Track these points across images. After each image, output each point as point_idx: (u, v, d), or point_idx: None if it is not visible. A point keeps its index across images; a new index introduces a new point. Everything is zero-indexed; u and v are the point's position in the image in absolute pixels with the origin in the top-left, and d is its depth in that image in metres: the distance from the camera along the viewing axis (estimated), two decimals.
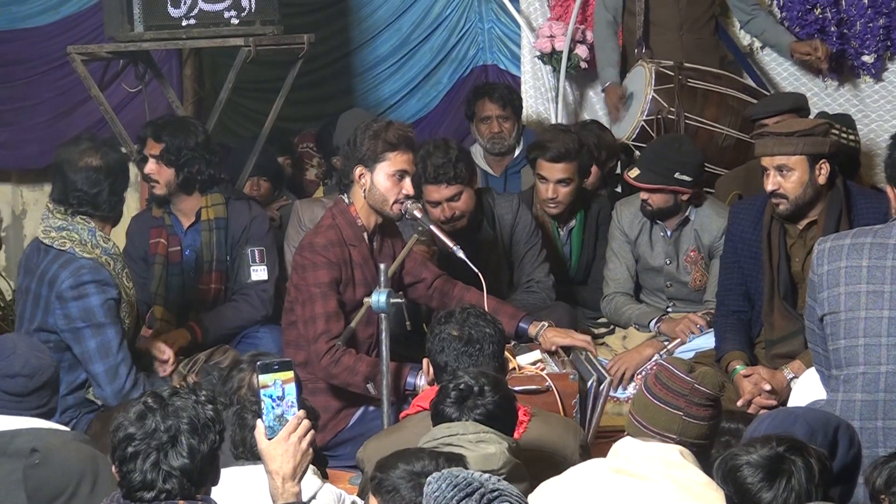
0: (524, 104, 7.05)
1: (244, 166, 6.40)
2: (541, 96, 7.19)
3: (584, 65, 6.92)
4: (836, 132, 5.36)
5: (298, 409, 3.23)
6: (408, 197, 4.79)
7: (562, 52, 6.89)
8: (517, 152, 6.82)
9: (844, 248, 3.94)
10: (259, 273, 5.62)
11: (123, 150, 5.85)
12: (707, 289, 5.53)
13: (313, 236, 4.85)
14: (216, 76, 7.33)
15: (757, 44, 6.91)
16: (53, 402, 3.87)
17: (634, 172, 5.53)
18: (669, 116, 6.16)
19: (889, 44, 6.79)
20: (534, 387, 4.60)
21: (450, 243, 4.79)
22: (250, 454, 3.61)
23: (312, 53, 6.54)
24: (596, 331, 5.61)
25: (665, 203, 5.50)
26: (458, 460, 3.17)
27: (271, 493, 3.24)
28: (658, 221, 5.61)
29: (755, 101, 6.22)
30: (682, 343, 5.31)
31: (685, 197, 5.50)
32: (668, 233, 5.60)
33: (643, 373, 5.15)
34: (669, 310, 5.63)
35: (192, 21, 6.14)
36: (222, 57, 7.16)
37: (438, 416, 3.56)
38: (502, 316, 4.74)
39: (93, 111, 7.20)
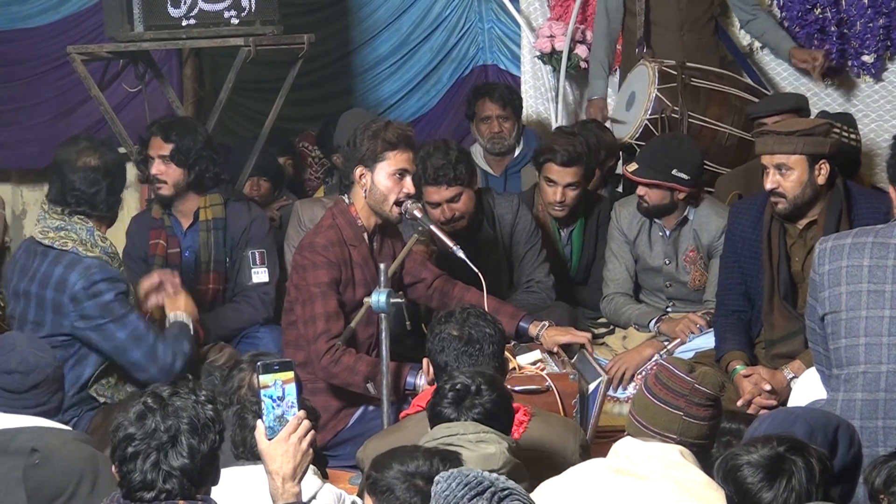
0: (524, 104, 7.06)
1: (244, 166, 6.40)
2: (541, 96, 7.19)
3: (584, 65, 6.93)
4: (838, 131, 5.35)
5: (299, 410, 3.23)
6: (408, 196, 4.79)
7: (562, 52, 6.89)
8: (517, 152, 6.82)
9: (846, 248, 3.94)
10: (260, 275, 5.63)
11: (122, 150, 5.85)
12: (706, 289, 5.53)
13: (313, 236, 4.85)
14: (216, 76, 7.34)
15: (757, 44, 6.91)
16: (55, 402, 3.86)
17: (633, 167, 5.54)
18: (673, 115, 6.16)
19: (889, 44, 6.78)
20: (534, 387, 4.60)
21: (450, 243, 4.79)
22: (251, 454, 3.61)
23: (312, 53, 6.54)
24: (596, 331, 5.61)
25: (661, 200, 5.50)
26: (453, 459, 3.16)
27: (271, 494, 3.24)
28: (655, 220, 5.61)
29: (758, 101, 6.23)
30: (682, 343, 5.31)
31: (682, 196, 5.49)
32: (667, 233, 5.60)
33: (643, 373, 5.15)
34: (669, 310, 5.63)
35: (192, 21, 6.14)
36: (222, 57, 7.16)
37: (436, 418, 3.56)
38: (502, 316, 4.74)
39: (93, 111, 7.20)
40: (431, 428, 3.55)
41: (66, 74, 7.28)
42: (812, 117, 5.78)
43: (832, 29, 6.72)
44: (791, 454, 3.01)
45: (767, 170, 4.85)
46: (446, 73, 7.77)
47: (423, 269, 5.10)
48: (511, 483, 2.72)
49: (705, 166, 5.73)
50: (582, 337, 5.06)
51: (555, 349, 5.01)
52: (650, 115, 6.20)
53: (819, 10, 6.73)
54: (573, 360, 4.93)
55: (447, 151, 5.35)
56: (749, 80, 6.70)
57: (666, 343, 5.35)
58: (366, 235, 4.86)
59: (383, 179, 4.78)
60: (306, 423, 3.23)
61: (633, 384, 5.21)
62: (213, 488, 3.08)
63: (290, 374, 3.21)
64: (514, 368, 4.74)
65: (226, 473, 3.17)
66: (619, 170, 6.48)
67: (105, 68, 6.62)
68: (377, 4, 7.66)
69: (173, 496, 2.96)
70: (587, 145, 5.81)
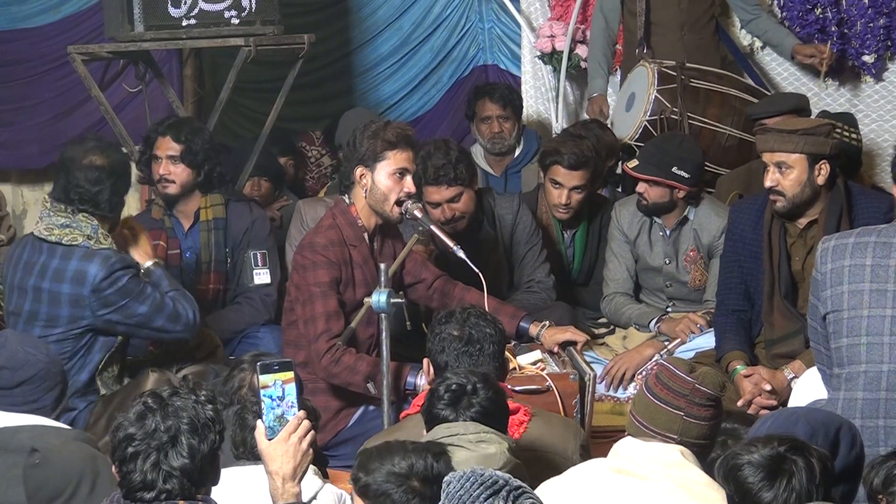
0: (524, 104, 7.06)
1: (244, 166, 6.40)
2: (541, 96, 7.19)
3: (584, 65, 6.93)
4: (839, 131, 5.35)
5: (299, 410, 3.22)
6: (409, 195, 4.78)
7: (562, 51, 6.89)
8: (517, 152, 6.82)
9: (848, 247, 3.95)
10: (262, 276, 5.64)
11: (124, 150, 5.86)
12: (707, 288, 5.53)
13: (313, 236, 4.85)
14: (216, 76, 7.34)
15: (757, 44, 6.91)
16: (48, 400, 3.84)
17: (633, 163, 5.55)
18: (672, 116, 6.16)
19: (889, 44, 6.78)
20: (534, 387, 4.60)
21: (450, 243, 4.78)
22: (251, 454, 3.61)
23: (312, 53, 6.54)
24: (596, 331, 5.61)
25: (661, 198, 5.50)
26: (443, 453, 3.16)
27: (271, 494, 3.24)
28: (656, 220, 5.61)
29: (757, 101, 6.23)
30: (683, 343, 5.31)
31: (681, 194, 5.49)
32: (668, 232, 5.60)
33: (643, 373, 5.15)
34: (669, 310, 5.63)
35: (193, 21, 6.15)
36: (222, 57, 7.16)
37: (434, 420, 3.54)
38: (503, 316, 4.74)
39: (93, 111, 7.20)
40: (427, 431, 3.54)
41: (66, 74, 7.28)
42: (813, 117, 5.78)
43: (832, 29, 6.71)
44: (792, 454, 3.01)
45: (768, 168, 4.86)
46: (447, 73, 7.77)
47: (424, 270, 5.10)
48: (519, 481, 2.72)
49: (705, 167, 5.73)
50: (581, 336, 5.06)
51: (555, 349, 5.01)
52: (650, 116, 6.20)
53: (819, 10, 6.73)
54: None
55: (447, 151, 5.35)
56: (749, 81, 6.70)
57: (666, 343, 5.35)
58: (366, 235, 4.86)
59: (384, 179, 4.77)
60: (306, 423, 3.23)
61: (633, 384, 5.21)
62: (213, 488, 3.08)
63: (290, 374, 3.21)
64: (515, 368, 4.74)
65: (226, 473, 3.17)
66: (619, 170, 6.47)
67: (105, 68, 6.62)
68: (377, 4, 7.66)
69: (173, 496, 2.96)
70: (595, 149, 5.82)
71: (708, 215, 5.54)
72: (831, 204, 4.86)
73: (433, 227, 4.84)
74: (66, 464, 3.62)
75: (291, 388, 3.20)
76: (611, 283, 5.70)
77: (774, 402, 4.75)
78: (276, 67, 6.97)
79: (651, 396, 3.40)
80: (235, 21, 6.18)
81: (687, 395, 3.37)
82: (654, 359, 5.23)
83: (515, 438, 3.73)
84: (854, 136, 5.87)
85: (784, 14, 6.81)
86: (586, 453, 3.93)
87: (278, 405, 3.20)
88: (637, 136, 6.22)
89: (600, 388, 5.16)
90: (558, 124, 6.91)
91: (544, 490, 3.47)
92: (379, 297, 4.38)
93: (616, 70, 6.90)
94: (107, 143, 4.94)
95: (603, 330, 5.66)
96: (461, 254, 4.75)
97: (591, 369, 4.87)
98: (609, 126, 6.43)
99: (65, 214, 4.74)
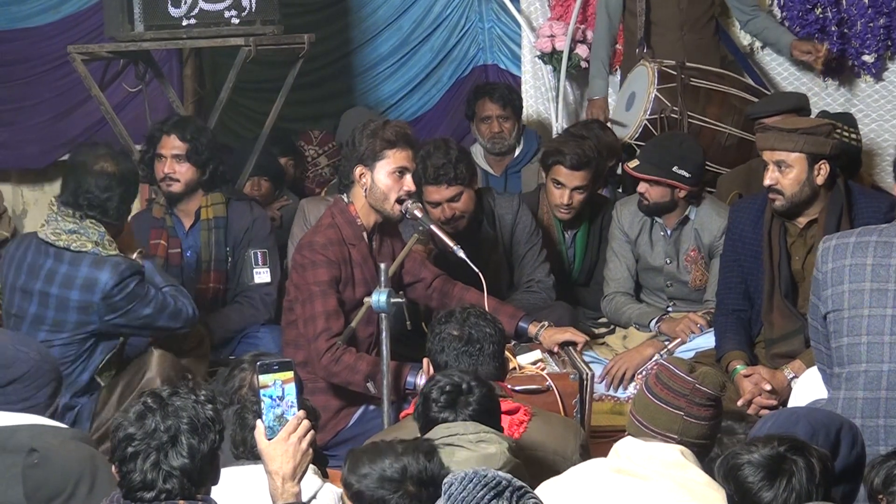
0: (524, 104, 7.06)
1: (244, 166, 6.40)
2: (541, 96, 7.19)
3: (584, 64, 6.93)
4: (839, 132, 5.35)
5: (298, 410, 3.22)
6: (409, 194, 4.79)
7: (562, 51, 6.89)
8: (517, 152, 6.82)
9: (849, 246, 3.95)
10: (262, 276, 5.64)
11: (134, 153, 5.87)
12: (707, 288, 5.53)
13: (313, 235, 4.85)
14: (216, 76, 7.34)
15: (757, 44, 6.91)
16: (42, 398, 3.81)
17: (634, 163, 5.55)
18: (672, 115, 6.17)
19: (889, 43, 6.78)
20: (534, 387, 4.60)
21: (450, 243, 4.78)
22: (250, 454, 3.61)
23: (312, 53, 6.54)
24: (596, 331, 5.61)
25: (662, 197, 5.50)
26: (434, 451, 3.15)
27: (271, 494, 3.23)
28: (657, 220, 5.61)
29: (757, 101, 6.23)
30: (683, 343, 5.30)
31: (682, 193, 5.49)
32: (668, 232, 5.60)
33: (644, 373, 5.15)
34: (670, 309, 5.63)
35: (193, 21, 6.15)
36: (222, 57, 7.16)
37: (430, 423, 3.54)
38: (502, 316, 4.74)
39: (93, 111, 7.20)
40: (422, 435, 3.53)
41: (66, 74, 7.29)
42: (812, 117, 5.78)
43: (832, 29, 6.71)
44: (792, 454, 3.01)
45: (767, 166, 4.86)
46: (446, 72, 7.77)
47: (423, 269, 5.10)
48: (520, 481, 2.72)
49: (705, 166, 5.73)
50: (580, 337, 5.05)
51: (555, 349, 5.01)
52: (650, 115, 6.20)
53: (819, 9, 6.73)
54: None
55: (447, 151, 5.35)
56: (749, 80, 6.70)
57: (666, 343, 5.35)
58: (365, 234, 4.86)
59: (383, 178, 4.78)
60: (306, 422, 3.23)
61: (633, 384, 5.21)
62: (213, 488, 3.08)
63: (290, 374, 3.20)
64: (515, 368, 4.74)
65: (226, 473, 3.17)
66: (620, 170, 6.47)
67: (105, 68, 6.62)
68: (377, 4, 7.66)
69: (173, 496, 2.96)
70: (597, 149, 5.82)
71: (709, 215, 5.54)
72: (831, 203, 4.86)
73: (433, 227, 4.84)
74: (64, 463, 3.62)
75: (291, 388, 3.20)
76: (611, 283, 5.70)
77: (774, 402, 4.75)
78: (276, 67, 6.97)
79: (651, 396, 3.40)
80: (235, 21, 6.18)
81: (687, 395, 3.36)
82: (654, 359, 5.22)
83: (515, 438, 3.73)
84: (854, 136, 5.87)
85: (784, 14, 6.81)
86: (586, 453, 3.93)
87: (278, 405, 3.20)
88: (637, 136, 6.23)
89: (600, 388, 5.16)
90: (558, 124, 6.91)
91: (544, 490, 3.47)
92: (379, 297, 4.38)
93: (616, 70, 6.90)
94: (118, 150, 4.95)
95: (603, 330, 5.66)
96: (461, 253, 4.75)
97: (590, 369, 4.86)
98: (609, 126, 6.44)
99: (73, 220, 4.72)
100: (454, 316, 4.08)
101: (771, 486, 2.98)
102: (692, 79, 6.26)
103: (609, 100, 6.79)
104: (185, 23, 6.14)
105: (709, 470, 3.33)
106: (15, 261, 4.82)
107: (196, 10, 6.14)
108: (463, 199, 5.39)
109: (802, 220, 4.91)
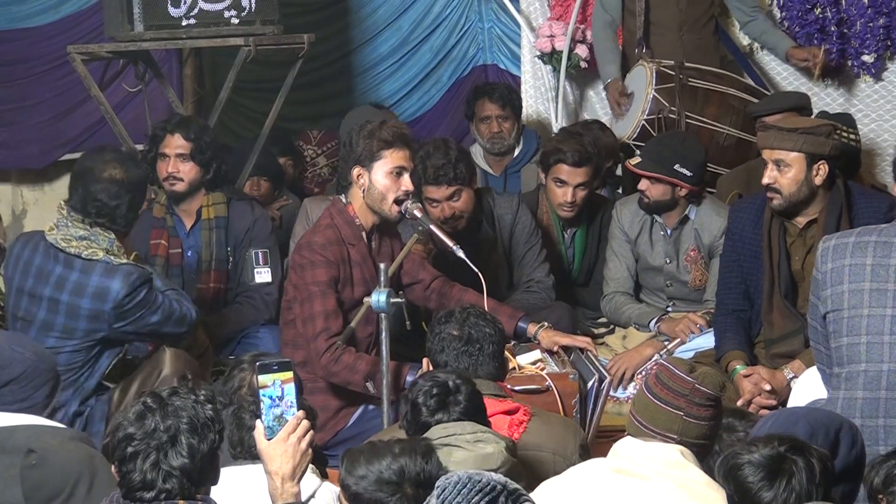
0: (524, 104, 7.06)
1: (244, 166, 6.40)
2: (541, 96, 7.19)
3: (584, 64, 6.92)
4: (839, 133, 5.35)
5: (298, 410, 3.22)
6: (407, 194, 4.78)
7: (562, 51, 6.89)
8: (517, 152, 6.82)
9: (849, 246, 3.95)
10: (263, 275, 5.64)
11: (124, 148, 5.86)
12: (707, 288, 5.53)
13: (311, 235, 4.85)
14: (216, 76, 7.34)
15: (756, 44, 6.91)
16: (39, 398, 3.81)
17: (636, 160, 5.56)
18: (670, 116, 6.17)
19: (889, 43, 6.78)
20: (534, 387, 4.59)
21: (450, 243, 4.78)
22: (248, 454, 3.60)
23: (312, 53, 6.54)
24: (596, 331, 5.61)
25: (663, 196, 5.50)
26: (431, 451, 3.15)
27: (271, 494, 3.23)
28: (657, 220, 5.61)
29: (756, 101, 6.23)
30: (682, 343, 5.31)
31: (683, 192, 5.50)
32: (668, 232, 5.60)
33: (643, 373, 5.15)
34: (669, 309, 5.63)
35: (192, 21, 6.15)
36: (222, 57, 7.16)
37: (423, 428, 3.52)
38: (501, 316, 4.73)
39: (93, 111, 7.20)
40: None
41: (66, 74, 7.28)
42: (812, 117, 5.78)
43: (832, 29, 6.71)
44: (792, 454, 3.01)
45: (767, 165, 4.86)
46: (446, 72, 7.77)
47: (421, 271, 5.10)
48: (515, 484, 2.71)
49: (707, 166, 5.73)
50: (582, 342, 5.03)
51: (555, 349, 5.00)
52: (647, 115, 6.21)
53: (819, 9, 6.73)
54: (570, 359, 4.92)
55: (447, 151, 5.35)
56: (748, 80, 6.70)
57: (666, 343, 5.35)
58: (364, 234, 4.86)
59: (381, 178, 4.78)
60: (305, 423, 3.22)
61: (633, 384, 5.21)
62: (213, 488, 3.08)
63: (289, 374, 3.20)
64: (514, 368, 4.74)
65: (225, 473, 3.17)
66: (619, 171, 6.47)
67: (105, 68, 6.62)
68: (377, 4, 7.67)
69: (173, 496, 2.96)
70: (595, 144, 5.83)
71: (709, 215, 5.55)
72: (831, 203, 4.86)
73: (433, 227, 4.84)
74: (63, 464, 3.62)
75: (290, 388, 3.20)
76: (611, 283, 5.70)
77: (774, 402, 4.75)
78: (276, 67, 6.97)
79: (651, 396, 3.40)
80: (235, 21, 6.18)
81: (687, 395, 3.36)
82: (653, 359, 5.23)
83: (515, 438, 3.73)
84: (853, 136, 5.88)
85: (784, 14, 6.81)
86: (586, 453, 3.93)
87: (277, 405, 3.20)
88: (635, 136, 6.23)
89: None
90: (558, 124, 6.90)
91: (544, 490, 3.47)
92: (378, 297, 4.37)
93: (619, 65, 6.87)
94: (125, 156, 4.92)
95: (603, 330, 5.67)
96: (461, 253, 4.75)
97: (604, 371, 4.86)
98: (609, 125, 6.44)
99: (83, 226, 4.70)
100: (454, 316, 4.08)
101: (771, 486, 2.98)
102: (690, 79, 6.27)
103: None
104: (184, 23, 6.15)
105: (708, 469, 3.33)
106: (22, 262, 4.79)
107: (196, 10, 6.14)
108: (462, 199, 5.39)
109: (802, 220, 4.91)
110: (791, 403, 4.45)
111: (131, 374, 4.84)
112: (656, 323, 5.48)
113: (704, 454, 3.42)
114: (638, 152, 5.74)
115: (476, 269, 4.74)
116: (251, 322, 5.60)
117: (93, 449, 3.77)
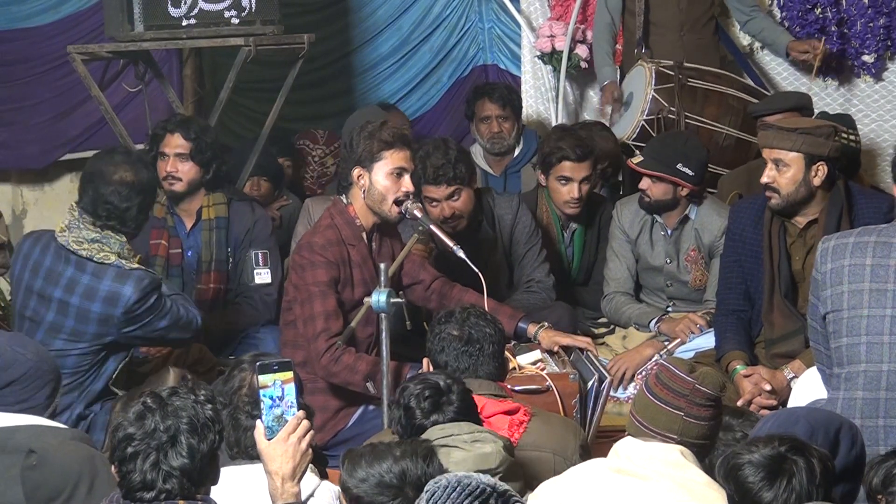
0: (524, 104, 7.06)
1: (244, 166, 6.40)
2: (541, 96, 7.19)
3: (584, 65, 6.93)
4: (839, 135, 5.35)
5: (298, 410, 3.22)
6: (407, 194, 4.79)
7: (562, 51, 6.89)
8: (517, 152, 6.82)
9: (848, 247, 3.95)
10: (263, 276, 5.64)
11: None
12: (707, 288, 5.53)
13: (311, 236, 4.85)
14: (216, 76, 7.34)
15: (757, 44, 6.92)
16: (40, 398, 3.81)
17: (638, 159, 5.56)
18: (670, 116, 6.18)
19: (889, 43, 6.79)
20: (534, 387, 4.59)
21: (450, 243, 4.78)
22: (245, 455, 3.60)
23: (312, 53, 6.54)
24: (596, 331, 5.61)
25: (664, 195, 5.50)
26: (431, 453, 3.14)
27: (271, 494, 3.23)
28: (657, 220, 5.61)
29: (756, 101, 6.23)
30: (683, 343, 5.31)
31: (684, 192, 5.50)
32: (669, 232, 5.60)
33: (643, 373, 5.15)
34: (669, 309, 5.63)
35: (193, 21, 6.15)
36: (222, 57, 7.16)
37: (418, 431, 3.51)
38: (501, 316, 4.73)
39: (93, 111, 7.20)
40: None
41: (66, 74, 7.28)
42: (813, 118, 5.78)
43: (832, 29, 6.72)
44: (792, 454, 3.01)
45: (767, 164, 4.87)
46: (446, 72, 7.77)
47: (422, 271, 5.10)
48: (504, 485, 2.70)
49: (708, 166, 5.73)
50: (582, 342, 5.03)
51: (555, 349, 5.00)
52: (647, 115, 6.21)
53: (819, 9, 6.74)
54: (570, 359, 4.92)
55: (447, 150, 5.35)
56: (748, 81, 6.70)
57: (666, 343, 5.35)
58: (364, 235, 4.86)
59: (381, 179, 4.78)
60: (305, 423, 3.23)
61: (633, 384, 5.21)
62: (213, 488, 3.08)
63: (290, 374, 3.20)
64: (515, 368, 4.74)
65: (225, 473, 3.17)
66: (620, 177, 6.48)
67: (105, 68, 6.62)
68: (377, 4, 7.67)
69: (173, 496, 2.96)
70: (591, 138, 5.86)
71: (709, 215, 5.55)
72: (831, 204, 4.86)
73: (433, 227, 4.84)
74: (63, 464, 3.62)
75: (291, 388, 3.20)
76: (611, 283, 5.71)
77: (774, 402, 4.75)
78: (276, 67, 6.97)
79: (651, 396, 3.40)
80: (235, 21, 6.18)
81: (687, 395, 3.36)
82: (653, 359, 5.23)
83: (515, 439, 3.73)
84: (852, 136, 5.88)
85: (784, 14, 6.82)
86: (586, 453, 3.93)
87: (277, 405, 3.20)
88: (634, 136, 6.23)
89: None
90: (558, 124, 6.91)
91: (544, 490, 3.47)
92: (379, 297, 4.37)
93: (616, 68, 6.89)
94: (136, 158, 4.89)
95: (603, 330, 5.67)
96: (461, 254, 4.75)
97: (605, 372, 4.86)
98: (609, 125, 6.44)
99: (94, 229, 4.69)
100: (454, 316, 4.08)
101: (771, 487, 2.98)
102: (690, 79, 6.27)
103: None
104: (184, 23, 6.15)
105: (708, 469, 3.33)
106: (31, 261, 4.77)
107: (196, 10, 6.14)
108: (462, 199, 5.39)
109: (802, 221, 4.92)
110: (791, 403, 4.45)
111: (133, 391, 4.82)
112: (656, 323, 5.48)
113: (705, 454, 3.42)
114: (638, 152, 5.73)
115: (476, 270, 4.74)
116: (250, 323, 5.60)
117: (93, 449, 3.77)
